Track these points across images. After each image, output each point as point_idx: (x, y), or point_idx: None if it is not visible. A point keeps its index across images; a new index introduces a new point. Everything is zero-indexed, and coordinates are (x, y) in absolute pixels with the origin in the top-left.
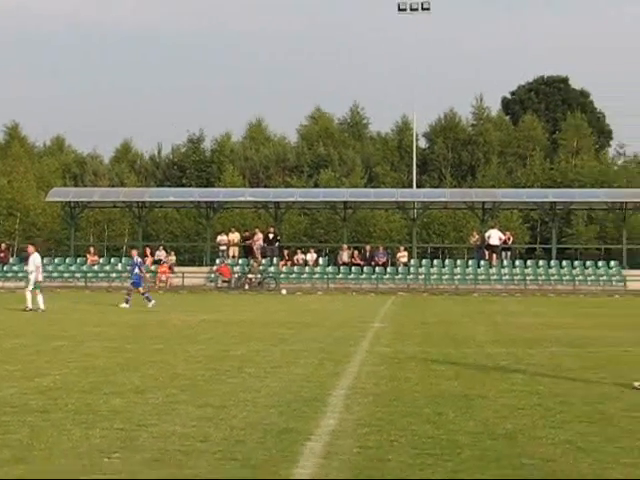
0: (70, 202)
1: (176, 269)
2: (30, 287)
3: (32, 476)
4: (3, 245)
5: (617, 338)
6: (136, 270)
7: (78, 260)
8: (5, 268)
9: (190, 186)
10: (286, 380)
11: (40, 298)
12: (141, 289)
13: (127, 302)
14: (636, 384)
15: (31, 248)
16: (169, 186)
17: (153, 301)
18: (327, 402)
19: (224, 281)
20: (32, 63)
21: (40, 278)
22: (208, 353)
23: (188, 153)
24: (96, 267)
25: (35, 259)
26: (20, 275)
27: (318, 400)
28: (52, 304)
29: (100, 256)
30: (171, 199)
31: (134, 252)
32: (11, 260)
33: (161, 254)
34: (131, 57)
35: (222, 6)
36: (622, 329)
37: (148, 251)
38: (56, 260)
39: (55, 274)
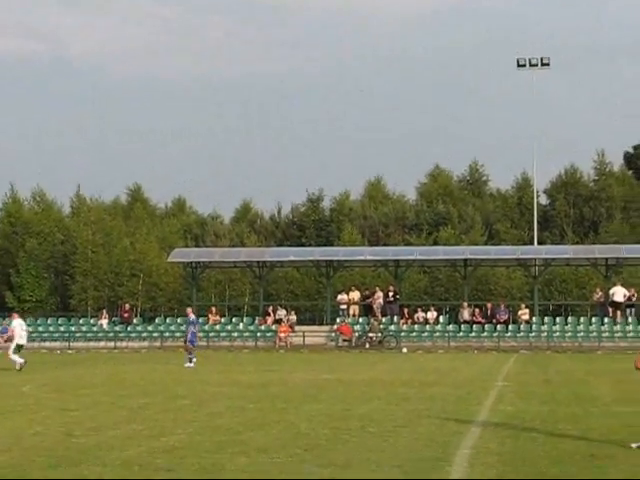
0: (192, 262)
1: (297, 328)
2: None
3: None
4: (127, 305)
5: None
6: (192, 328)
7: (200, 320)
8: (129, 328)
9: (310, 245)
10: (409, 439)
11: None
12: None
13: (191, 361)
14: (633, 445)
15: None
16: (289, 245)
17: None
18: (452, 462)
19: (345, 340)
20: (152, 125)
21: None
22: (330, 412)
23: (307, 212)
24: (218, 327)
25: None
26: (144, 335)
27: (442, 460)
28: (177, 365)
29: (222, 316)
30: (291, 258)
31: (189, 310)
32: (135, 320)
33: (282, 313)
34: (249, 117)
35: (344, 64)
36: None
37: (270, 310)
38: (178, 320)
39: (178, 334)
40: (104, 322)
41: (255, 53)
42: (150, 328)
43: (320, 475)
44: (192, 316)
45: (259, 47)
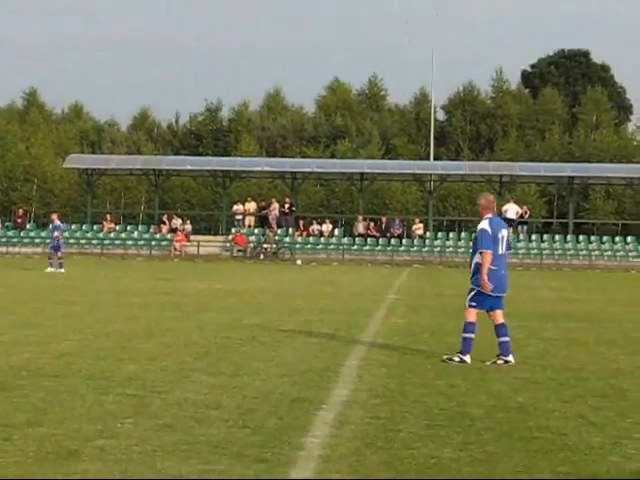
0: (87, 169)
1: (192, 237)
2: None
3: (46, 440)
4: (20, 211)
5: (632, 314)
6: (55, 234)
7: (94, 227)
8: (22, 234)
9: (207, 155)
10: (299, 350)
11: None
12: (59, 253)
13: (61, 266)
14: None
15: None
16: (186, 155)
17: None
18: (339, 372)
19: (239, 250)
20: (51, 30)
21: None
22: (222, 322)
23: (205, 122)
24: (112, 234)
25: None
26: (37, 241)
27: (330, 370)
28: (69, 270)
29: (116, 223)
30: (188, 167)
31: (54, 216)
32: (28, 226)
33: (177, 222)
34: (150, 23)
35: None
36: (637, 305)
37: (165, 219)
38: (73, 227)
39: (72, 240)
40: None
41: None
42: (43, 234)
43: (209, 384)
44: (57, 222)
45: None
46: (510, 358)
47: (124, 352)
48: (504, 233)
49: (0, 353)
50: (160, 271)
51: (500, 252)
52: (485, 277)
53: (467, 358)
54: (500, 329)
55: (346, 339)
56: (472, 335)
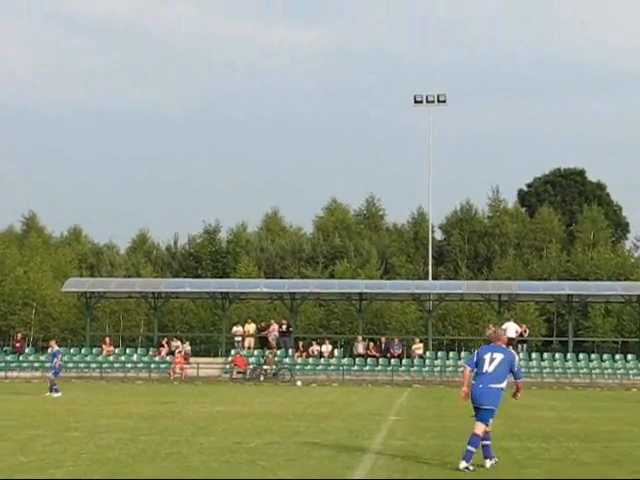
0: (86, 292)
1: (191, 360)
2: None
3: None
4: (19, 335)
5: (634, 433)
6: (55, 360)
7: (94, 350)
8: (21, 358)
9: (206, 277)
10: (298, 474)
11: None
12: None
13: (57, 391)
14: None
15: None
16: (185, 277)
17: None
18: None
19: (239, 372)
20: (49, 152)
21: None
22: (222, 445)
23: (204, 244)
24: (112, 357)
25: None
26: (36, 365)
27: None
28: (68, 395)
29: (116, 346)
30: (187, 289)
31: (52, 342)
32: (27, 350)
33: (176, 344)
34: (147, 147)
35: (239, 97)
36: (639, 424)
37: (164, 342)
38: (72, 350)
39: (70, 364)
40: None
41: (148, 84)
42: (42, 358)
43: None
44: (55, 347)
45: (151, 80)
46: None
47: (124, 477)
48: (495, 356)
49: None
50: (160, 394)
51: (483, 370)
52: (464, 388)
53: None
54: (472, 438)
55: (347, 462)
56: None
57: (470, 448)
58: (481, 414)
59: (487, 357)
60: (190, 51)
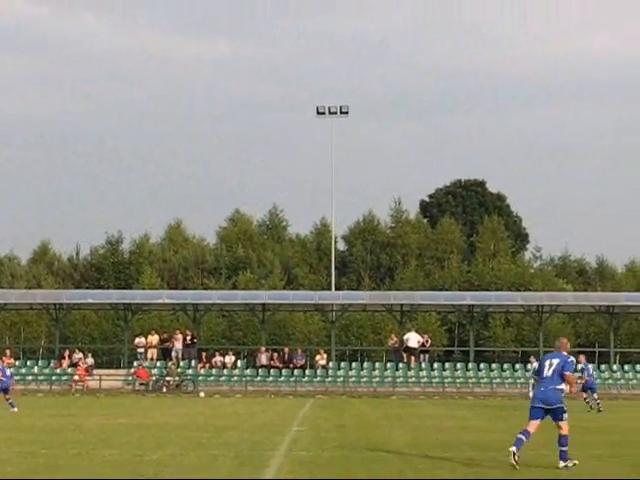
0: None
1: (94, 372)
2: None
3: None
4: None
5: (533, 442)
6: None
7: None
8: None
9: (108, 288)
10: None
11: None
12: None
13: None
14: None
15: None
16: (87, 288)
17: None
18: None
19: (142, 384)
20: None
21: None
22: (124, 458)
23: (106, 255)
24: (12, 370)
25: None
26: None
27: None
28: None
29: (16, 359)
30: (89, 301)
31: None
32: None
33: (78, 356)
34: (47, 157)
35: (139, 106)
36: (537, 432)
37: (66, 354)
38: None
39: None
40: None
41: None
42: None
43: None
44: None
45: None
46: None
47: None
48: (552, 361)
49: None
50: (61, 407)
51: (543, 375)
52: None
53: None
54: (561, 439)
55: (250, 473)
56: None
57: (562, 448)
58: (553, 414)
59: (547, 363)
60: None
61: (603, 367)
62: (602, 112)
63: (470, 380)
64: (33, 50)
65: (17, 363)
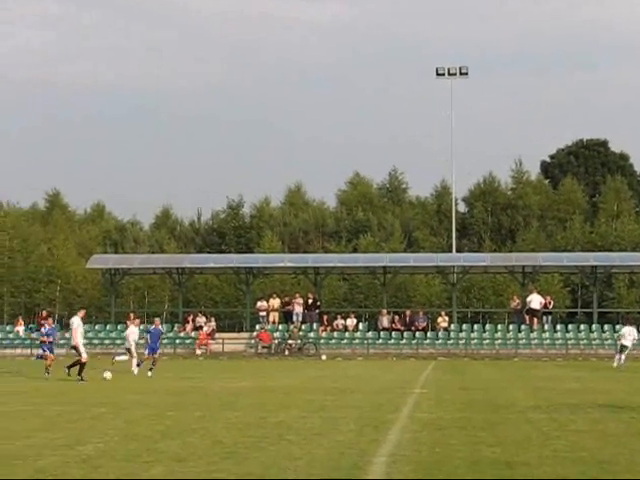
0: (110, 269)
1: (216, 335)
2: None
3: None
4: (44, 312)
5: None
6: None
7: (119, 327)
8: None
9: (229, 252)
10: (326, 447)
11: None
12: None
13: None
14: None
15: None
16: (209, 252)
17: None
18: (368, 470)
19: (264, 347)
20: (72, 131)
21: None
22: (248, 420)
23: (227, 219)
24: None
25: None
26: (61, 342)
27: (359, 468)
28: (94, 372)
29: (141, 322)
30: (211, 265)
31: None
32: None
33: (201, 320)
34: (170, 125)
35: (255, 73)
36: None
37: (189, 318)
38: (97, 327)
39: (96, 341)
40: (20, 329)
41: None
42: (67, 335)
43: None
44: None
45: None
46: None
47: (151, 454)
48: None
49: (26, 457)
50: (185, 370)
51: None
52: None
53: None
54: None
55: (373, 435)
56: None
57: None
58: None
59: None
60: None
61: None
62: None
63: (594, 342)
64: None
65: (142, 327)
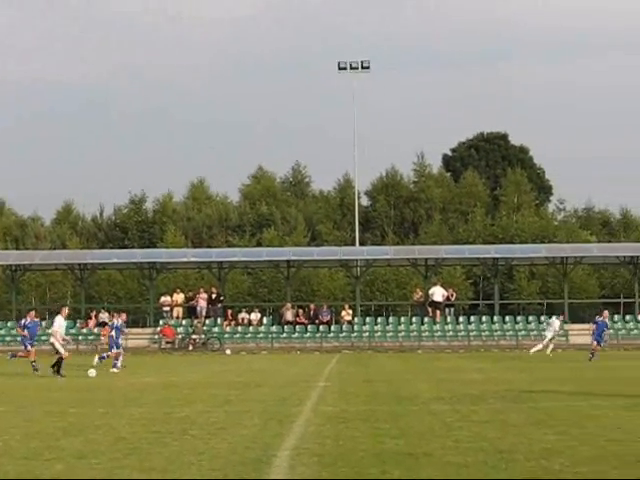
0: (11, 265)
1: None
2: None
3: None
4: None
5: (559, 392)
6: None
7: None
8: None
9: (132, 247)
10: (230, 442)
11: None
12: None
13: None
14: None
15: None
16: (111, 248)
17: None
18: (272, 464)
19: (168, 342)
20: None
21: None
22: (152, 415)
23: (130, 214)
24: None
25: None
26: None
27: (262, 462)
28: None
29: (42, 319)
30: (113, 261)
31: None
32: None
33: (104, 316)
34: (70, 119)
35: (161, 64)
36: (564, 383)
37: (92, 314)
38: None
39: None
40: None
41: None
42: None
43: None
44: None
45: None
46: None
47: (52, 452)
48: None
49: None
50: (88, 366)
51: None
52: None
53: None
54: None
55: (277, 429)
56: None
57: None
58: None
59: None
60: None
61: (628, 317)
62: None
63: (495, 333)
64: None
65: (43, 324)
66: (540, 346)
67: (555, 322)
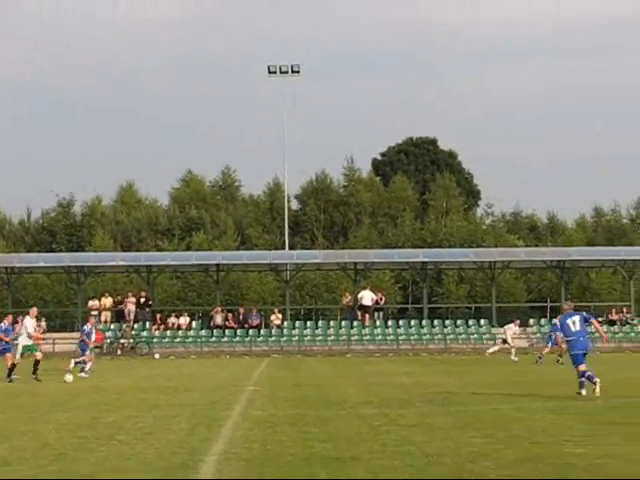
0: None
1: (47, 335)
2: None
3: None
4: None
5: (487, 396)
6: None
7: None
8: None
9: (60, 251)
10: (158, 447)
11: None
12: None
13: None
14: None
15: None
16: (39, 251)
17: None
18: (199, 469)
19: (96, 347)
20: None
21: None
22: (79, 421)
23: (58, 218)
24: None
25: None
26: None
27: (189, 467)
28: None
29: None
30: (41, 264)
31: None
32: None
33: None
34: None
35: (92, 67)
36: (491, 387)
37: (19, 318)
38: None
39: None
40: None
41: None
42: None
43: None
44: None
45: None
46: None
47: None
48: (574, 318)
49: None
50: (16, 372)
51: (573, 330)
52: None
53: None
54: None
55: (205, 433)
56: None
57: (582, 380)
58: (584, 358)
59: (569, 321)
60: None
61: (555, 321)
62: (561, 69)
63: (424, 337)
64: None
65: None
66: (496, 347)
67: (512, 327)
